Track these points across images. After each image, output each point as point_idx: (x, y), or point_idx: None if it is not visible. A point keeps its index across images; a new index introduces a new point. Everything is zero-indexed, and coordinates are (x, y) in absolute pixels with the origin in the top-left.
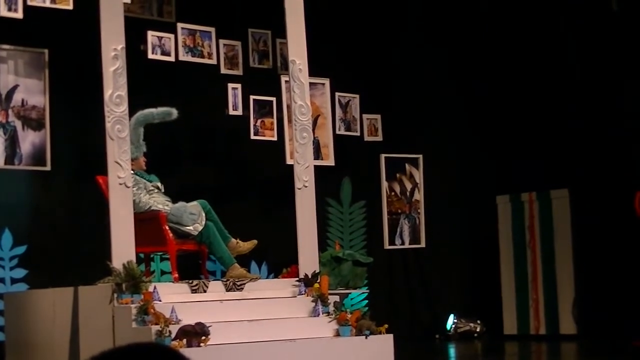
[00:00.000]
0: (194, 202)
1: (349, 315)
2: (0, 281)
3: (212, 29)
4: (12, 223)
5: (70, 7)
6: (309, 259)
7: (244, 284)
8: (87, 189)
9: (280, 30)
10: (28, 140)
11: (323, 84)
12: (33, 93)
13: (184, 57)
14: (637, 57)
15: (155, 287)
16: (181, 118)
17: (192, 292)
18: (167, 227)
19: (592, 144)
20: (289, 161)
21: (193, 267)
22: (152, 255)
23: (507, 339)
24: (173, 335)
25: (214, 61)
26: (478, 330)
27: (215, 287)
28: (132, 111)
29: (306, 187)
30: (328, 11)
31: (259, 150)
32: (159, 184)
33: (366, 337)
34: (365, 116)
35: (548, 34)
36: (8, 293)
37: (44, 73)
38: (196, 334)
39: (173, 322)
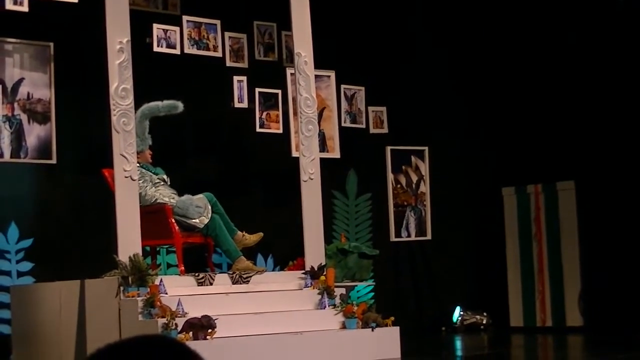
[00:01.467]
0: (200, 195)
1: (355, 308)
2: (7, 274)
3: (218, 22)
4: (18, 216)
5: (76, 0)
6: (315, 251)
7: (250, 276)
8: (92, 182)
9: (285, 23)
10: (34, 133)
11: (328, 76)
12: (38, 86)
13: (190, 49)
14: None
15: (161, 280)
16: (187, 111)
17: (198, 285)
18: (173, 220)
19: (598, 136)
20: (294, 154)
21: (199, 260)
22: (158, 248)
23: (513, 331)
24: (179, 328)
25: (219, 54)
26: (484, 322)
27: (222, 280)
28: (137, 104)
29: (312, 179)
30: (333, 3)
31: (265, 143)
32: (164, 177)
33: (372, 330)
34: (370, 108)
35: (553, 26)
36: (15, 286)
37: (49, 66)
38: (202, 326)
39: (179, 315)
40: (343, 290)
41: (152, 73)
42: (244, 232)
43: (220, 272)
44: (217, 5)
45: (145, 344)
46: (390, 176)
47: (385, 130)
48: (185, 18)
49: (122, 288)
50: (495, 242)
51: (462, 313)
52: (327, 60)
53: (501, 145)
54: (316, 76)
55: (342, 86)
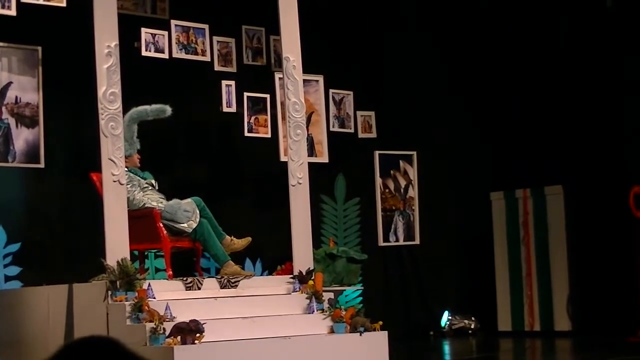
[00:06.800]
0: (188, 199)
1: (344, 312)
2: None
3: (206, 26)
4: (5, 220)
5: (64, 4)
6: (303, 256)
7: (239, 281)
8: (80, 186)
9: (274, 27)
10: (22, 137)
11: (317, 80)
12: (26, 90)
13: (178, 54)
14: (632, 54)
15: (149, 285)
16: (175, 115)
17: (187, 289)
18: (161, 225)
19: (586, 141)
20: (282, 158)
21: (187, 265)
22: (146, 253)
23: (501, 335)
24: (167, 333)
25: (207, 58)
26: (472, 326)
27: (210, 284)
28: (125, 108)
29: (300, 184)
30: (322, 8)
31: (253, 147)
32: (153, 181)
33: (360, 334)
34: (359, 113)
35: (542, 31)
36: (2, 291)
37: (37, 70)
38: (191, 331)
39: (167, 320)
40: (331, 295)
41: (140, 77)
42: (232, 237)
43: (208, 277)
44: (206, 10)
45: (88, 346)
46: (378, 181)
47: (373, 134)
48: (173, 22)
49: (110, 292)
50: (484, 247)
51: (450, 317)
52: (315, 64)
53: (490, 150)
54: (305, 81)
55: (331, 91)
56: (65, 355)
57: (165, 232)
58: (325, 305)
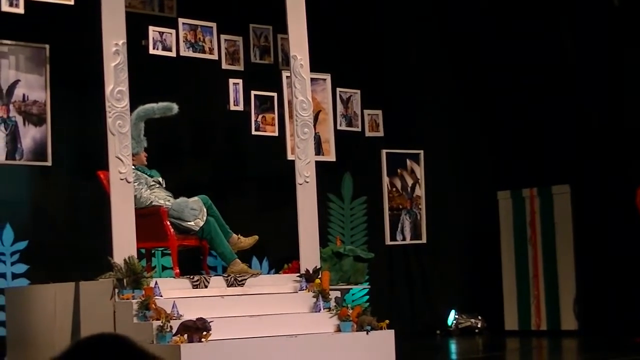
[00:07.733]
0: (195, 198)
1: (350, 311)
2: (2, 276)
3: (214, 24)
4: (13, 218)
5: (71, 2)
6: (310, 254)
7: (245, 279)
8: (88, 184)
9: (281, 26)
10: (29, 135)
11: (324, 79)
12: (34, 88)
13: (185, 52)
14: (638, 52)
15: (156, 283)
16: (182, 113)
17: (193, 288)
18: (168, 223)
19: (593, 140)
20: (290, 157)
21: (194, 263)
22: (153, 251)
23: (508, 334)
24: (174, 331)
25: (215, 56)
26: (479, 326)
27: (217, 283)
28: (133, 106)
29: (307, 182)
30: (329, 6)
31: (260, 146)
32: (160, 179)
33: (367, 333)
34: (366, 112)
35: (549, 29)
36: (9, 288)
37: (45, 68)
38: (197, 329)
39: (174, 318)
40: (338, 294)
41: (147, 75)
42: (239, 235)
43: (215, 275)
44: (213, 8)
45: (96, 344)
46: (385, 179)
47: (380, 133)
48: (181, 21)
49: (117, 290)
50: (491, 246)
51: (457, 316)
52: (323, 63)
53: (497, 149)
54: (312, 79)
55: (338, 89)
56: (76, 353)
57: (172, 230)
58: (332, 303)
